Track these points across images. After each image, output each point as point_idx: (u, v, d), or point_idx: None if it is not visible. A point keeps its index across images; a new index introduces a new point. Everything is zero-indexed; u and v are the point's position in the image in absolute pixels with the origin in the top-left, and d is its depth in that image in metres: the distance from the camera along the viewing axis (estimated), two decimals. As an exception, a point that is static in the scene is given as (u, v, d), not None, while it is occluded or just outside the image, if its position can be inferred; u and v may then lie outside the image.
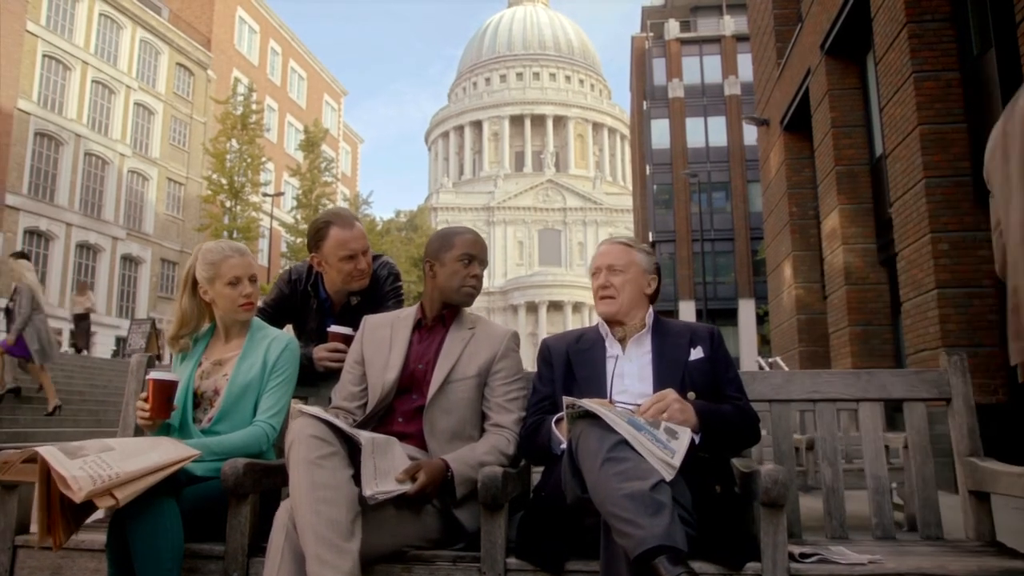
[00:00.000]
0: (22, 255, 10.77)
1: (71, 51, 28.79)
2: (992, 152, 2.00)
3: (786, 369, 11.43)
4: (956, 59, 8.27)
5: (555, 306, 70.85)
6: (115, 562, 1.92)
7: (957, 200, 7.97)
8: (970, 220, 7.88)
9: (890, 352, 10.83)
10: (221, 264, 2.44)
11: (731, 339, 31.94)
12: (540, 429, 2.14)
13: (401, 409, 2.29)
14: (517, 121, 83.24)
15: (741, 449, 2.17)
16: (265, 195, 30.04)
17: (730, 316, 33.36)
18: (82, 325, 17.73)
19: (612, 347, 2.26)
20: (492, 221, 76.12)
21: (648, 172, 36.02)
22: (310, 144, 32.60)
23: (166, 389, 2.23)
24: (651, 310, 2.32)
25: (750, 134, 33.21)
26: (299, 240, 29.57)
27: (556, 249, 76.65)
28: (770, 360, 12.85)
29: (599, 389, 2.13)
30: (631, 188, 56.21)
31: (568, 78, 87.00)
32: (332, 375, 2.65)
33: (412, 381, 2.30)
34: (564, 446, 1.95)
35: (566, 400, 1.85)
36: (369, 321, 2.51)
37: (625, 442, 1.72)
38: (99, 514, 1.95)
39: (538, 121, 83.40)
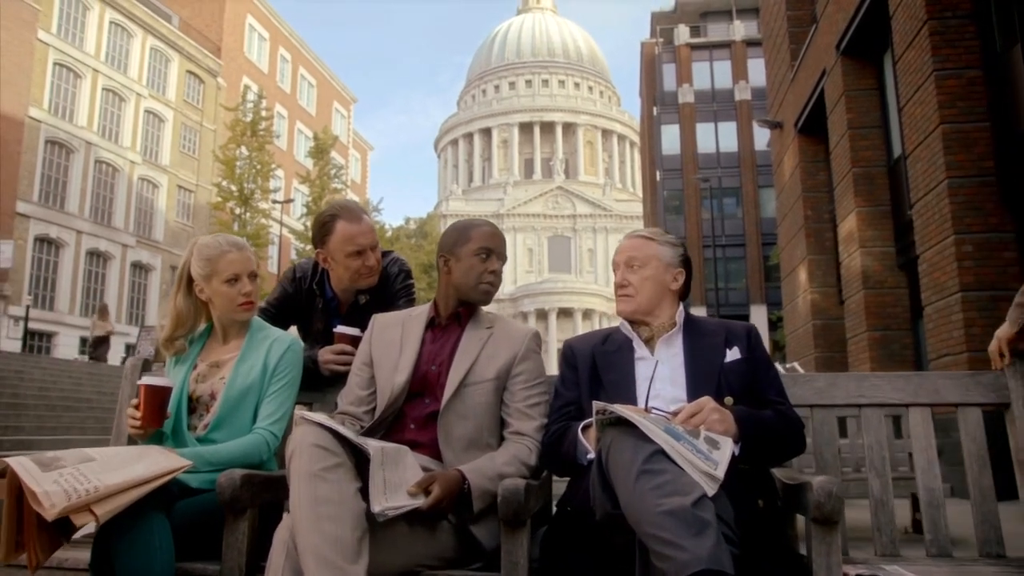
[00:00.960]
0: None
1: (82, 59, 28.86)
2: None
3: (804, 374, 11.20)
4: (978, 56, 8.07)
5: (565, 313, 70.62)
6: (100, 583, 1.75)
7: (981, 200, 7.76)
8: (995, 221, 7.67)
9: (910, 358, 10.59)
10: (218, 260, 2.27)
11: (743, 345, 31.52)
12: (565, 437, 1.96)
13: (413, 415, 2.11)
14: (526, 128, 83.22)
15: (785, 459, 1.99)
16: (275, 202, 30.01)
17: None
18: (101, 348, 18.12)
19: (640, 349, 2.08)
20: (502, 228, 75.78)
21: (658, 178, 35.83)
22: (320, 151, 32.58)
23: (158, 395, 2.07)
24: (681, 308, 2.14)
25: (761, 139, 32.98)
26: (309, 247, 29.51)
27: (566, 256, 76.46)
28: (788, 366, 12.62)
29: (627, 394, 1.95)
30: (641, 195, 56.03)
31: (577, 85, 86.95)
32: (339, 379, 2.47)
33: (425, 384, 2.13)
34: (591, 456, 1.78)
35: (596, 405, 1.68)
36: (378, 320, 2.34)
37: (662, 452, 1.54)
38: (89, 528, 1.78)
39: (547, 128, 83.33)
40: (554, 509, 2.05)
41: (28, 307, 20.31)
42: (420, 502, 1.74)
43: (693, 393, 1.88)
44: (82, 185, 29.00)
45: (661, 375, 1.99)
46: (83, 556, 1.85)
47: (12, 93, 25.54)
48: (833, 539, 1.58)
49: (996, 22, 8.11)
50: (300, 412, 2.28)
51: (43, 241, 27.58)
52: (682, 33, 36.60)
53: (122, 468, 1.72)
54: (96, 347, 18.22)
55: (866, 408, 2.19)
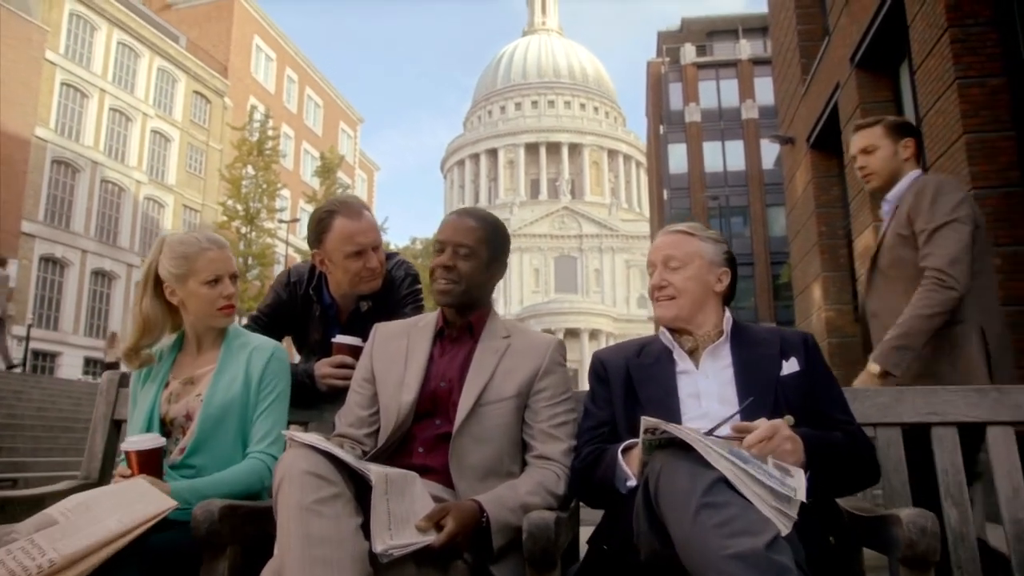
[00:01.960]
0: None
1: (89, 79, 28.89)
2: None
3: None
4: (1001, 64, 7.81)
5: (572, 333, 70.22)
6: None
7: (1008, 212, 7.47)
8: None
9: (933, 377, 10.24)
10: (197, 258, 2.00)
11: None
12: (601, 461, 1.68)
13: (422, 437, 1.84)
14: (532, 149, 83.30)
15: (857, 489, 1.71)
16: (281, 221, 29.87)
17: (751, 342, 32.70)
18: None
19: (682, 360, 1.81)
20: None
21: (666, 197, 35.64)
22: (326, 170, 32.49)
23: (150, 459, 1.79)
24: (728, 313, 1.88)
25: (768, 157, 32.84)
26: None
27: (572, 276, 76.15)
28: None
29: (668, 413, 1.67)
30: (647, 215, 55.86)
31: (583, 106, 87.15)
32: (338, 396, 2.19)
33: (434, 403, 1.87)
34: (633, 483, 1.51)
35: (646, 422, 1.40)
36: (380, 330, 2.07)
37: (724, 482, 1.27)
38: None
39: (553, 148, 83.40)
40: (583, 545, 1.77)
41: (30, 326, 20.08)
42: (431, 539, 1.47)
43: (746, 412, 1.61)
44: (88, 204, 28.92)
45: (707, 391, 1.72)
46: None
47: (19, 113, 25.54)
48: (928, 584, 1.30)
49: (1020, 28, 7.87)
50: (289, 433, 2.02)
51: (48, 261, 27.46)
52: (688, 52, 36.61)
53: (91, 525, 1.45)
54: (106, 370, 17.90)
55: (938, 427, 1.92)
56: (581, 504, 1.94)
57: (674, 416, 1.68)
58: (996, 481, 1.87)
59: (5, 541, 1.42)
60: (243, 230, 28.06)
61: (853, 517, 1.52)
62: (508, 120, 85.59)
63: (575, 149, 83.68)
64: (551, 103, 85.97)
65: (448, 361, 1.94)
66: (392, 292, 2.49)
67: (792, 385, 1.71)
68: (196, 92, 34.36)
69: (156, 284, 2.06)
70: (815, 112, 13.46)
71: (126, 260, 30.68)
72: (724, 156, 35.73)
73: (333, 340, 2.34)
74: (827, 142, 13.31)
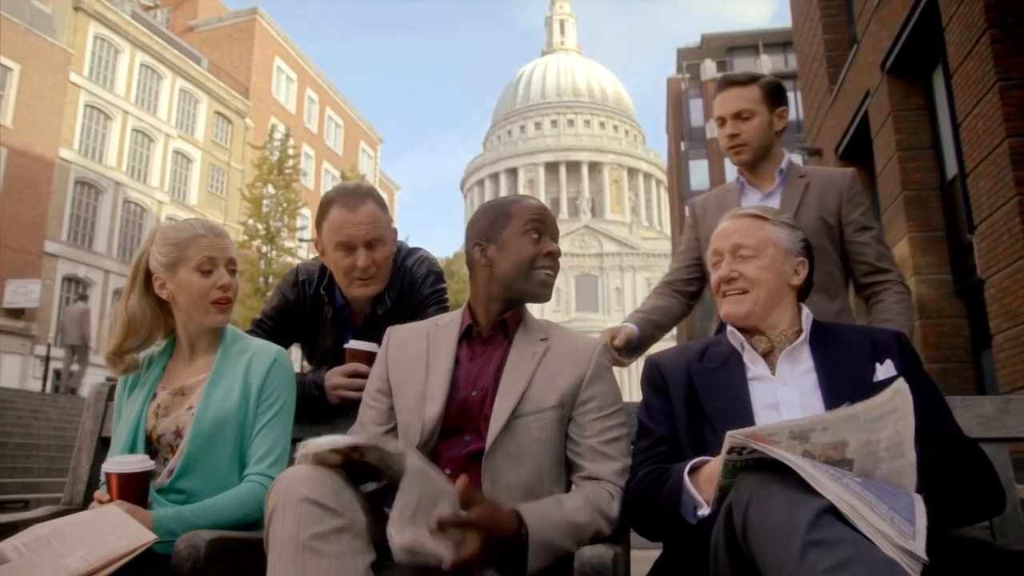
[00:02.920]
0: None
1: (112, 101, 29.12)
2: None
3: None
4: (1045, 65, 7.51)
5: (593, 352, 69.72)
6: None
7: (1056, 218, 7.13)
8: (1072, 239, 7.03)
9: (972, 391, 9.84)
10: (188, 244, 1.74)
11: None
12: (662, 484, 1.40)
13: (448, 456, 1.56)
14: (552, 168, 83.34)
15: (980, 518, 1.41)
16: (301, 240, 29.85)
17: (777, 359, 32.22)
18: None
19: (754, 365, 1.53)
20: (528, 267, 75.62)
21: (687, 213, 35.30)
22: (346, 189, 32.50)
23: (134, 484, 1.54)
24: (806, 310, 1.60)
25: (792, 172, 32.48)
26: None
27: (593, 295, 75.80)
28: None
29: (742, 427, 1.40)
30: (668, 233, 55.48)
31: (602, 124, 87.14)
32: (351, 408, 1.92)
33: (463, 416, 1.60)
34: (705, 512, 1.24)
35: (733, 440, 1.13)
36: (395, 333, 1.79)
37: (833, 512, 1.00)
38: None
39: (573, 168, 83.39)
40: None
41: (49, 346, 20.09)
42: (445, 553, 1.19)
43: None
44: (110, 225, 29.06)
45: (787, 400, 1.44)
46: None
47: (44, 134, 25.76)
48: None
49: (1065, 27, 7.55)
50: (305, 448, 1.77)
51: (71, 280, 27.56)
52: (708, 68, 36.40)
53: (49, 564, 1.20)
54: None
55: (1055, 442, 1.62)
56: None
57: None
58: None
59: None
60: (263, 249, 28.07)
61: (984, 551, 1.23)
62: (528, 140, 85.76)
63: (595, 168, 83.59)
64: (570, 122, 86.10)
65: (478, 367, 1.67)
66: (413, 291, 2.21)
67: None
68: (218, 113, 34.58)
69: (146, 279, 1.82)
70: (843, 122, 13.16)
71: (148, 280, 30.73)
72: (746, 172, 35.41)
73: (346, 346, 2.08)
74: (856, 152, 13.00)
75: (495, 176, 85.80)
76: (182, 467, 1.65)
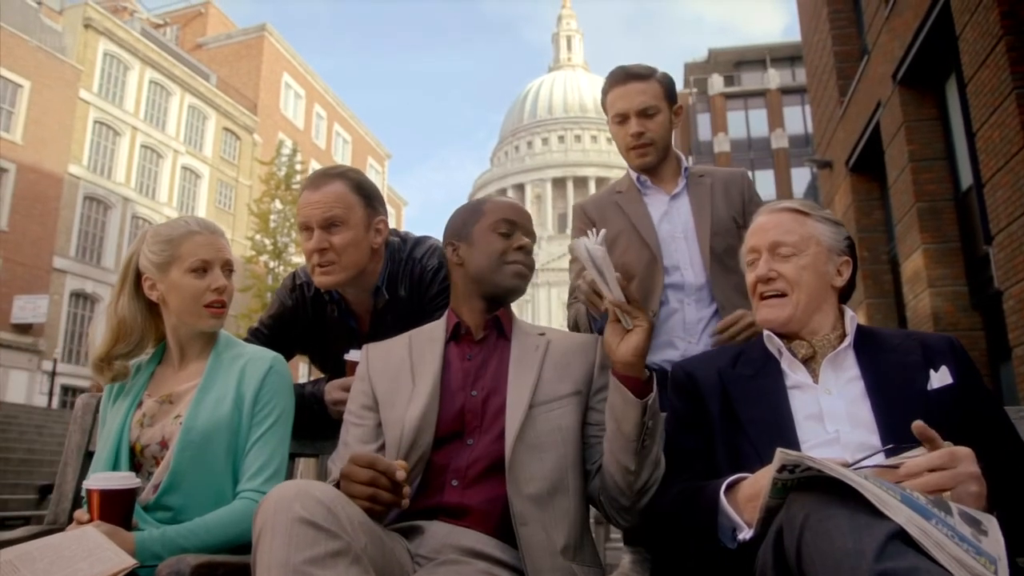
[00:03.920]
0: None
1: (122, 117, 29.26)
2: None
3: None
4: (1061, 72, 7.38)
5: (601, 367, 69.55)
6: None
7: (1077, 228, 6.98)
8: (1095, 251, 6.88)
9: (991, 407, 9.66)
10: (181, 242, 1.63)
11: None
12: (695, 503, 1.26)
13: (454, 466, 1.43)
14: (559, 183, 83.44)
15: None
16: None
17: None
18: None
19: (794, 371, 1.39)
20: (536, 283, 75.65)
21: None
22: (353, 204, 32.51)
23: (117, 502, 1.40)
24: (849, 312, 1.47)
25: (799, 186, 32.43)
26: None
27: (600, 309, 75.69)
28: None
29: (783, 440, 1.26)
30: (677, 245, 55.38)
31: (609, 140, 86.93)
32: None
33: (462, 419, 1.48)
34: (746, 535, 1.11)
35: (784, 457, 1.00)
36: (373, 348, 1.67)
37: (903, 538, 0.87)
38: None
39: (580, 183, 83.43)
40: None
41: (56, 360, 20.06)
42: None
43: (888, 436, 1.19)
44: (119, 240, 29.11)
45: (833, 411, 1.30)
46: None
47: (53, 151, 25.89)
48: None
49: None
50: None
51: (79, 296, 27.59)
52: (716, 83, 36.43)
53: None
54: None
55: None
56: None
57: (790, 444, 1.27)
58: None
59: None
60: (271, 264, 28.05)
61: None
62: (535, 155, 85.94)
63: (602, 183, 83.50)
64: (577, 138, 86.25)
65: (474, 367, 1.57)
66: (423, 286, 2.02)
67: (946, 403, 1.29)
68: (226, 129, 34.72)
69: (136, 280, 1.70)
70: (854, 134, 13.06)
71: (156, 295, 30.77)
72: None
73: (345, 357, 1.92)
74: (868, 164, 12.89)
75: (502, 192, 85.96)
76: (168, 481, 1.52)
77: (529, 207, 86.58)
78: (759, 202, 2.31)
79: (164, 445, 1.56)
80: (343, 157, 44.92)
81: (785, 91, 34.89)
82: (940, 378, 1.33)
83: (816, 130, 16.38)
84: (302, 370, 22.02)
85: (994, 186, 7.87)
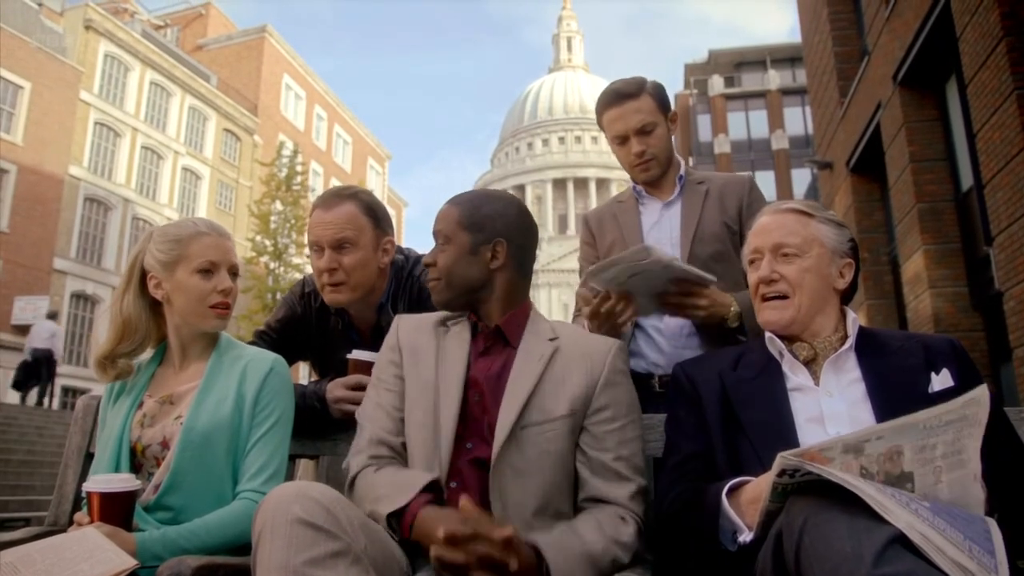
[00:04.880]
0: None
1: (122, 118, 29.28)
2: None
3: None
4: (1062, 73, 7.38)
5: (601, 368, 69.53)
6: None
7: (1077, 229, 6.98)
8: (1096, 252, 6.87)
9: (991, 408, 9.65)
10: (189, 243, 1.63)
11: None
12: (697, 505, 1.27)
13: (456, 465, 1.44)
14: (560, 184, 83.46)
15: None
16: (309, 256, 29.83)
17: (787, 375, 32.05)
18: None
19: (795, 373, 1.40)
20: (536, 284, 75.65)
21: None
22: (354, 206, 32.52)
23: (117, 504, 1.41)
24: (851, 315, 1.47)
25: (799, 187, 32.43)
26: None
27: (600, 310, 75.62)
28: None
29: (784, 442, 1.26)
30: (677, 246, 55.40)
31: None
32: (354, 424, 1.81)
33: (466, 421, 1.47)
34: (746, 538, 1.11)
35: (785, 461, 1.00)
36: (404, 321, 1.66)
37: (902, 541, 0.87)
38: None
39: (581, 184, 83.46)
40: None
41: (56, 363, 20.03)
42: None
43: None
44: (119, 242, 29.13)
45: (834, 413, 1.30)
46: None
47: (54, 152, 25.90)
48: None
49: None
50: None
51: (79, 297, 27.61)
52: (716, 84, 36.44)
53: None
54: None
55: None
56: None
57: (791, 447, 1.26)
58: None
59: None
60: (271, 265, 28.06)
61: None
62: (535, 156, 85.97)
63: (603, 184, 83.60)
64: (578, 139, 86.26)
65: (482, 369, 1.55)
66: (422, 304, 2.06)
67: None
68: (226, 130, 34.74)
69: (142, 279, 1.71)
70: (854, 135, 13.06)
71: (156, 297, 30.79)
72: (755, 187, 35.38)
73: (349, 356, 1.95)
74: (868, 165, 12.90)
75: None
76: (169, 482, 1.52)
77: (530, 208, 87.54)
78: (760, 206, 2.31)
79: (165, 445, 1.57)
80: (343, 158, 44.94)
81: (785, 92, 34.90)
82: (942, 381, 1.33)
83: (816, 131, 16.38)
84: (303, 371, 22.05)
85: (995, 187, 7.87)
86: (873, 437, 1.01)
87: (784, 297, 1.45)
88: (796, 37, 17.05)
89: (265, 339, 2.16)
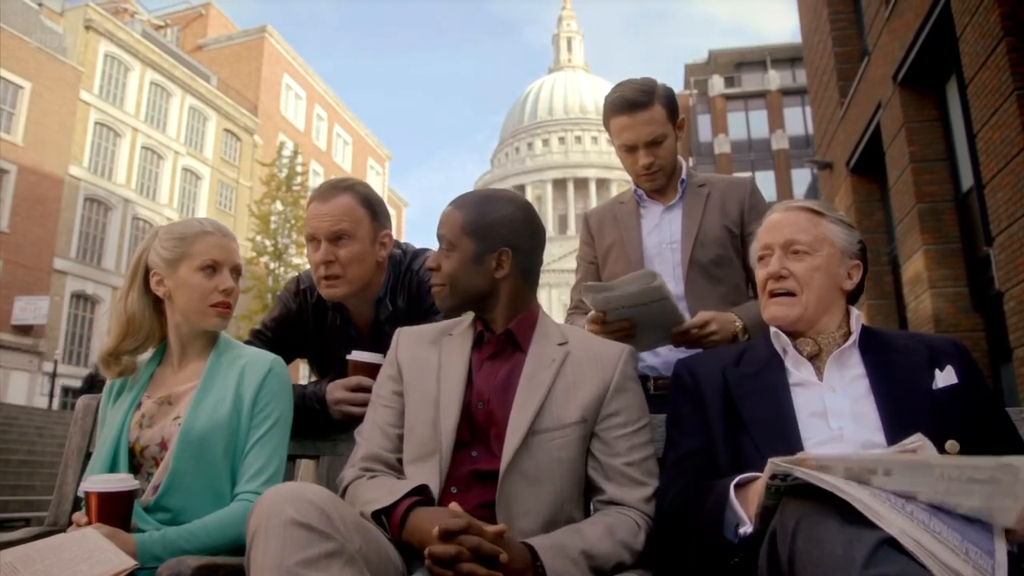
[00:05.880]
0: None
1: (122, 118, 29.29)
2: None
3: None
4: (1063, 73, 7.38)
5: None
6: None
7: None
8: (1095, 251, 6.87)
9: (991, 408, 9.65)
10: (194, 241, 1.64)
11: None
12: (703, 500, 1.27)
13: (456, 474, 1.42)
14: (560, 185, 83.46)
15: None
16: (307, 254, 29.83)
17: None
18: None
19: (798, 369, 1.40)
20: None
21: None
22: (354, 206, 32.53)
23: (116, 504, 1.41)
24: (855, 312, 1.47)
25: (799, 187, 32.44)
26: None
27: (601, 311, 75.63)
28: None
29: (785, 438, 1.26)
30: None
31: (610, 141, 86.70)
32: (354, 425, 1.77)
33: (471, 429, 1.46)
34: (747, 530, 1.11)
35: (774, 467, 1.00)
36: (405, 333, 1.66)
37: (894, 543, 0.87)
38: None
39: (581, 184, 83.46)
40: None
41: (56, 362, 20.06)
42: None
43: (892, 434, 1.20)
44: (119, 242, 29.14)
45: (837, 408, 1.30)
46: None
47: (54, 152, 25.91)
48: None
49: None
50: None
51: (79, 297, 27.61)
52: (716, 84, 36.45)
53: None
54: None
55: None
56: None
57: (793, 442, 1.27)
58: None
59: None
60: (271, 266, 28.05)
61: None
62: (535, 156, 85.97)
63: (603, 184, 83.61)
64: (578, 139, 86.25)
65: (487, 377, 1.53)
66: (421, 298, 2.06)
67: (950, 402, 1.29)
68: (227, 130, 34.75)
69: (146, 277, 1.71)
70: (854, 135, 13.06)
71: (156, 297, 30.79)
72: (755, 187, 35.38)
73: (349, 357, 1.94)
74: (868, 165, 12.90)
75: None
76: (168, 482, 1.52)
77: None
78: (762, 209, 2.31)
79: (163, 446, 1.57)
80: (343, 158, 44.95)
81: (785, 92, 34.91)
82: (945, 378, 1.34)
83: (816, 131, 16.39)
84: (302, 371, 22.05)
85: (995, 187, 7.87)
86: (881, 471, 0.97)
87: (792, 294, 1.46)
88: (800, 37, 17.04)
89: (261, 338, 2.15)
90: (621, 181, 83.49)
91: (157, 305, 1.70)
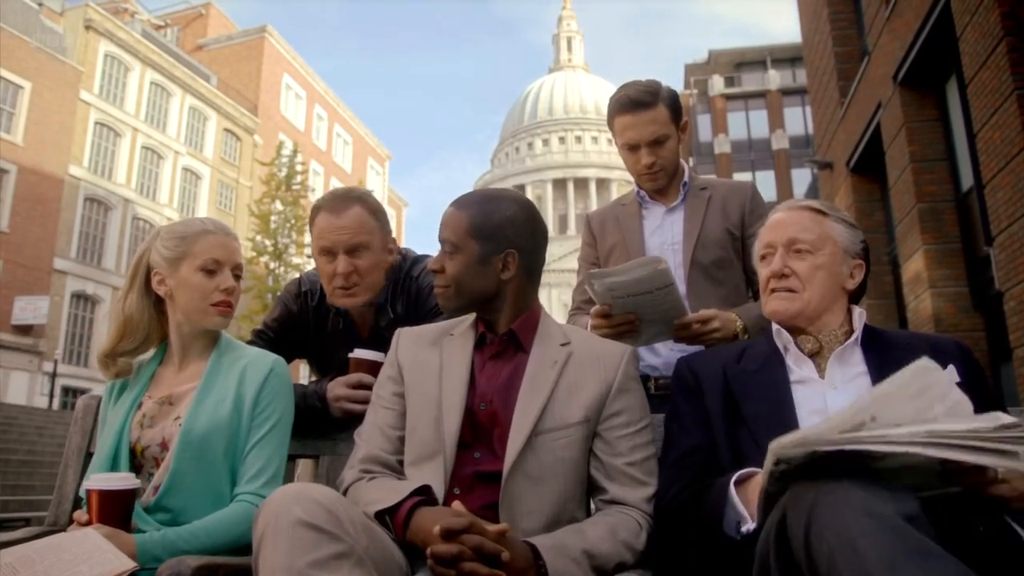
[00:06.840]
0: None
1: (122, 118, 29.29)
2: None
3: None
4: (1063, 73, 7.38)
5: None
6: None
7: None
8: (1095, 251, 6.88)
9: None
10: (195, 240, 1.63)
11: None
12: (704, 497, 1.27)
13: (459, 475, 1.42)
14: (560, 185, 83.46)
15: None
16: (309, 256, 29.81)
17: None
18: None
19: (799, 366, 1.40)
20: (536, 283, 75.66)
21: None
22: (354, 206, 32.54)
23: (116, 502, 1.41)
24: (858, 310, 1.48)
25: (800, 187, 32.43)
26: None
27: (601, 310, 75.62)
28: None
29: (785, 433, 1.26)
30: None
31: (610, 141, 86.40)
32: (354, 423, 1.76)
33: (474, 430, 1.46)
34: (750, 527, 1.11)
35: (779, 449, 1.00)
36: (406, 333, 1.65)
37: (919, 521, 0.87)
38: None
39: (581, 184, 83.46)
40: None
41: (56, 362, 20.07)
42: None
43: None
44: (119, 242, 29.14)
45: (838, 406, 1.30)
46: None
47: (53, 152, 25.91)
48: None
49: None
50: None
51: (79, 297, 27.61)
52: (716, 84, 36.46)
53: None
54: None
55: None
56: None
57: None
58: None
59: None
60: (271, 265, 28.05)
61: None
62: (535, 156, 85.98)
63: (603, 184, 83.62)
64: (578, 139, 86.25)
65: (489, 377, 1.53)
66: (420, 304, 2.08)
67: None
68: (227, 130, 34.75)
69: (147, 278, 1.70)
70: (854, 135, 13.07)
71: (156, 297, 30.79)
72: (755, 187, 35.40)
73: (350, 355, 1.95)
74: (868, 165, 12.91)
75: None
76: (168, 483, 1.52)
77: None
78: (762, 213, 2.32)
79: (164, 446, 1.57)
80: (343, 158, 44.96)
81: (785, 92, 34.90)
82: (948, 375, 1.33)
83: (817, 131, 16.39)
84: (303, 371, 22.06)
85: (995, 187, 7.87)
86: (867, 418, 0.99)
87: (795, 292, 1.46)
88: (800, 37, 17.04)
89: (263, 338, 2.17)
90: (621, 181, 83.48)
91: (158, 305, 1.70)
